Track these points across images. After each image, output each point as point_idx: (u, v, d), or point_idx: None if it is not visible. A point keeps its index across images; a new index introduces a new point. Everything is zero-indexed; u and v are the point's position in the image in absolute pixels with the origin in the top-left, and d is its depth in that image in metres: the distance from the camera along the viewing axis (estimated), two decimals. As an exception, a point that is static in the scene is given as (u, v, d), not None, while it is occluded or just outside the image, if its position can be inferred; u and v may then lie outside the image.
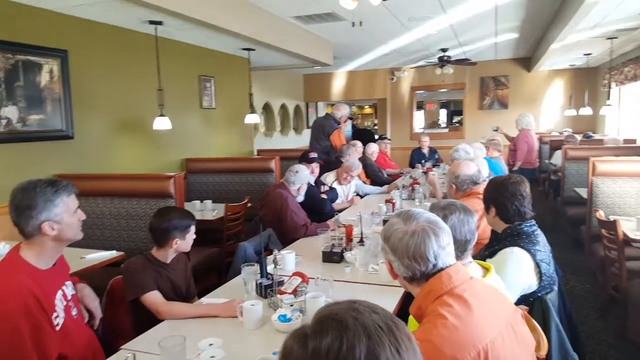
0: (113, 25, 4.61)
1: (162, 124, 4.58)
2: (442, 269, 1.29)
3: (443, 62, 8.21)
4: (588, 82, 8.82)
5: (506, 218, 2.20)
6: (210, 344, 1.62)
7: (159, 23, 4.49)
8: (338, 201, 4.79)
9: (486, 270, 1.67)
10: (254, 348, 1.65)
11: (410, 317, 1.40)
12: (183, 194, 3.59)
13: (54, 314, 1.65)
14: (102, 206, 3.63)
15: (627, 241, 3.23)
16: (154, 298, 2.03)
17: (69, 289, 1.81)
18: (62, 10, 4.01)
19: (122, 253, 3.01)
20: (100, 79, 4.51)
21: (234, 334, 1.76)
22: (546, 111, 9.66)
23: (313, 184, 4.28)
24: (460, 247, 1.70)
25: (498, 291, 1.44)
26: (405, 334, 0.66)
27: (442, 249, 1.30)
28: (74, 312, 1.80)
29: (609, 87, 7.17)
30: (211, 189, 5.29)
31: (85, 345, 1.80)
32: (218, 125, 6.48)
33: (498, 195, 2.21)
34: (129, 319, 2.11)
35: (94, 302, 1.97)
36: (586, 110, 8.08)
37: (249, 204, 4.53)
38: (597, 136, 7.85)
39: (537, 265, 2.04)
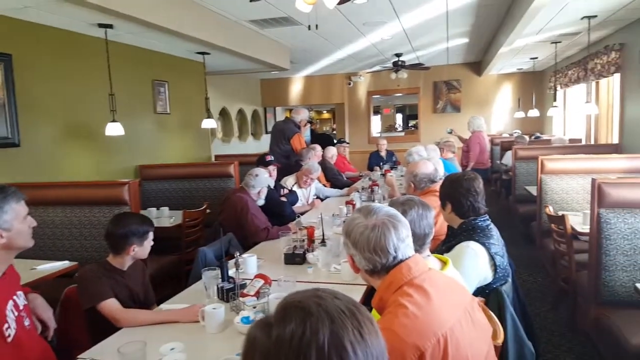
0: (60, 29, 4.44)
1: (114, 129, 4.45)
2: (402, 261, 1.33)
3: (398, 66, 8.38)
4: (535, 85, 9.24)
5: (461, 213, 2.27)
6: (172, 349, 1.59)
7: (109, 26, 4.37)
8: (299, 204, 4.79)
9: (444, 263, 1.72)
10: (216, 351, 1.62)
11: (373, 311, 1.41)
12: (138, 201, 3.49)
13: (5, 325, 1.58)
14: (52, 215, 3.48)
15: (575, 235, 3.39)
16: (111, 306, 1.97)
17: (20, 299, 1.73)
18: (4, 12, 3.85)
19: (75, 263, 2.90)
20: (48, 84, 4.34)
21: (196, 338, 1.73)
22: (496, 114, 10.04)
23: (272, 188, 4.26)
24: (418, 241, 1.74)
25: (455, 281, 1.49)
26: (367, 317, 0.68)
27: (401, 242, 1.34)
28: (26, 322, 1.73)
29: (555, 90, 7.53)
30: (167, 196, 5.17)
31: (38, 357, 1.73)
32: (173, 131, 6.35)
33: (453, 192, 2.27)
34: (85, 329, 2.03)
35: (47, 312, 1.89)
36: (534, 112, 8.45)
37: (208, 210, 4.45)
38: (545, 137, 8.22)
39: (492, 258, 2.12)
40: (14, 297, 1.69)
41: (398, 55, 8.13)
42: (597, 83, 6.35)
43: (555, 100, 7.29)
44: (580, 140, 7.05)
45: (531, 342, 1.97)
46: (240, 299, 2.02)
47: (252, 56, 6.04)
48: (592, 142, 6.61)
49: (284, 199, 4.32)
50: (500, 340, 1.60)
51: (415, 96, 10.59)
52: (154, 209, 4.54)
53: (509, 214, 6.44)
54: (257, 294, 2.04)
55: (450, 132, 7.31)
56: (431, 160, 3.35)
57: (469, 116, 7.55)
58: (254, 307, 1.91)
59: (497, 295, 2.01)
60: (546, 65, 8.73)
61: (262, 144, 10.04)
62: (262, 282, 2.12)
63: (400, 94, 11.06)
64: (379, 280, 1.36)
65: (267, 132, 10.58)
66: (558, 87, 7.81)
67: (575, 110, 7.90)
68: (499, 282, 2.13)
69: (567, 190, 4.40)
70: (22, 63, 4.01)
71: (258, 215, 3.59)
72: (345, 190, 5.56)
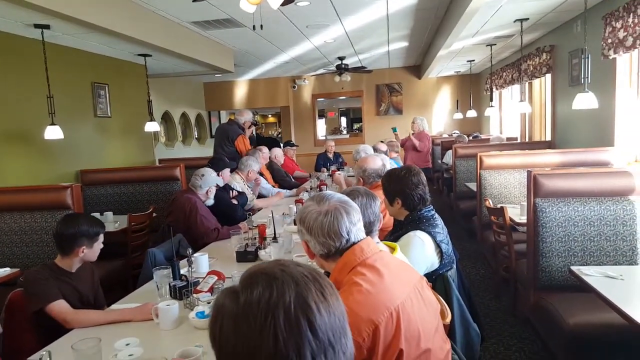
0: (-8, 29, 4.21)
1: (53, 133, 4.24)
2: (354, 243, 1.39)
3: (341, 70, 8.53)
4: (472, 87, 9.68)
5: (412, 207, 2.34)
6: (127, 344, 1.55)
7: (46, 27, 4.17)
8: (254, 199, 4.80)
9: (392, 249, 1.78)
10: (172, 346, 1.58)
11: None
12: (82, 205, 3.35)
13: None
14: None
15: (514, 225, 3.58)
16: (60, 307, 1.91)
17: None
18: None
19: (17, 270, 2.76)
20: None
21: (150, 335, 1.70)
22: (437, 115, 10.44)
23: (222, 189, 4.20)
24: (366, 229, 1.79)
25: (404, 262, 1.57)
26: (327, 282, 0.72)
27: (353, 225, 1.40)
28: None
29: (491, 91, 7.93)
30: (111, 201, 4.97)
31: None
32: (114, 135, 6.12)
33: (403, 187, 2.33)
34: (33, 333, 1.95)
35: None
36: (472, 113, 8.85)
37: (154, 214, 4.32)
38: (483, 136, 8.63)
39: (438, 246, 2.22)
40: None
41: (341, 58, 8.27)
42: (530, 84, 6.75)
43: (491, 100, 7.67)
44: (516, 139, 7.47)
45: (476, 325, 2.08)
46: (194, 295, 1.98)
47: (195, 58, 5.94)
48: (527, 140, 7.01)
49: (234, 201, 4.26)
50: (448, 320, 1.68)
51: (359, 99, 10.80)
52: (97, 214, 4.36)
53: (450, 210, 6.70)
54: (211, 290, 2.02)
55: (396, 131, 7.47)
56: (379, 156, 3.44)
57: (410, 118, 7.79)
58: (209, 303, 1.88)
59: (444, 280, 2.11)
60: (482, 68, 9.18)
61: (206, 149, 9.87)
62: (215, 278, 2.10)
63: (344, 97, 11.24)
64: (334, 263, 1.41)
65: (211, 137, 10.41)
66: (494, 89, 8.23)
67: (511, 109, 8.34)
68: (445, 268, 2.23)
69: (505, 185, 4.64)
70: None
71: (207, 216, 3.53)
72: (294, 190, 5.58)
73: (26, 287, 1.97)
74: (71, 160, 5.19)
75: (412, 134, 7.18)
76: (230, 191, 4.47)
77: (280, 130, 15.86)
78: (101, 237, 2.17)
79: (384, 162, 3.33)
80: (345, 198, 1.46)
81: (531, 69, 6.23)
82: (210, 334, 0.69)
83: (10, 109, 4.42)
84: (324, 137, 11.54)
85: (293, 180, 6.62)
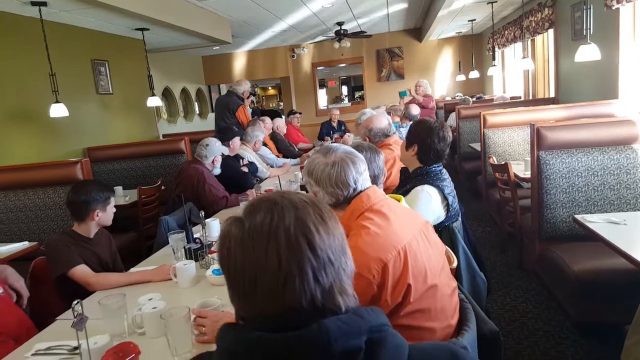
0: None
1: (58, 111, 4.27)
2: (361, 192, 1.46)
3: (340, 36, 8.42)
4: (474, 47, 9.54)
5: (425, 160, 2.36)
6: (150, 299, 1.63)
7: (43, 4, 4.14)
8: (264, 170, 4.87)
9: (397, 200, 1.82)
10: (191, 301, 1.65)
11: None
12: (92, 179, 3.40)
13: None
14: (5, 200, 3.38)
15: (518, 181, 3.62)
16: (82, 271, 1.99)
17: None
18: None
19: (35, 243, 2.85)
20: None
21: (170, 293, 1.78)
22: (439, 78, 10.33)
23: (233, 159, 4.24)
24: (371, 182, 1.84)
25: (409, 208, 1.64)
26: (325, 207, 0.77)
27: (359, 175, 1.46)
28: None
29: (493, 51, 7.81)
30: (119, 176, 5.03)
31: (16, 322, 1.74)
32: (117, 111, 6.14)
33: (426, 137, 2.32)
34: (57, 298, 2.03)
35: (19, 281, 1.90)
36: (474, 74, 8.75)
37: (163, 187, 4.39)
38: (486, 97, 8.57)
39: (445, 198, 2.25)
40: None
41: (340, 24, 8.16)
42: (533, 40, 6.65)
43: (494, 59, 7.57)
44: (519, 97, 7.41)
45: (482, 274, 2.14)
46: (209, 255, 2.06)
47: (192, 30, 5.88)
48: (531, 98, 6.96)
49: (245, 169, 4.30)
50: (454, 264, 1.74)
51: (359, 66, 10.69)
52: (106, 189, 4.41)
53: (455, 172, 6.73)
54: (226, 250, 2.07)
55: (406, 94, 7.38)
56: (384, 115, 3.44)
57: (412, 83, 7.72)
58: None
59: (449, 231, 2.16)
60: (484, 27, 9.04)
61: (209, 123, 9.86)
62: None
63: (344, 65, 11.12)
64: (342, 211, 1.47)
65: (212, 111, 10.39)
66: (496, 48, 8.11)
67: (513, 68, 8.25)
68: (451, 220, 2.28)
69: (508, 143, 4.65)
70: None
71: (215, 184, 3.59)
72: (298, 160, 5.61)
73: (48, 254, 2.05)
74: (77, 137, 5.24)
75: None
76: (241, 160, 4.50)
77: (281, 103, 15.79)
78: (112, 201, 2.24)
79: (390, 121, 3.35)
80: (351, 149, 1.52)
81: (533, 25, 6.14)
82: (220, 259, 0.74)
83: (15, 88, 4.45)
84: (325, 107, 11.49)
85: (297, 150, 6.64)
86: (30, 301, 1.94)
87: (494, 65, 7.44)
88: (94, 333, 1.23)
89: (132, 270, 2.17)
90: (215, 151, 3.70)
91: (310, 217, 0.72)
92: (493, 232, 4.59)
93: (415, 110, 5.96)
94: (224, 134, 4.25)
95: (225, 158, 3.94)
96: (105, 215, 2.19)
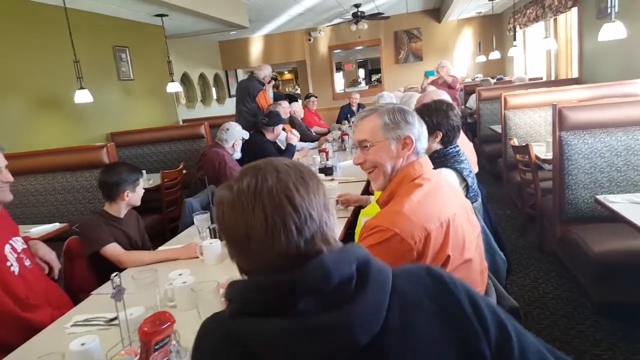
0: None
1: (83, 97, 4.37)
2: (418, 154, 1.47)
3: (357, 18, 8.34)
4: (494, 27, 9.36)
5: (448, 141, 2.35)
6: (180, 274, 1.70)
7: (65, -10, 4.21)
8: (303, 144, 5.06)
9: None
10: (218, 277, 1.71)
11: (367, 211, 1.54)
12: (121, 161, 3.51)
13: (7, 262, 1.69)
14: (35, 183, 3.49)
15: (539, 163, 3.59)
16: (114, 249, 2.08)
17: (17, 243, 1.83)
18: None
19: (65, 224, 2.97)
20: (11, 55, 4.24)
21: (198, 269, 1.84)
22: (458, 60, 10.17)
23: (272, 144, 4.31)
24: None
25: (453, 185, 1.67)
26: (309, 171, 0.84)
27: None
28: (27, 262, 1.83)
29: (514, 31, 7.66)
30: (141, 161, 5.13)
31: (46, 290, 1.85)
32: (139, 97, 6.24)
33: (446, 120, 2.28)
34: (90, 275, 2.13)
35: (50, 254, 2.00)
36: (495, 55, 8.60)
37: (184, 171, 4.47)
38: (507, 78, 8.42)
39: (464, 180, 2.26)
40: (10, 242, 1.79)
41: (357, 5, 8.08)
42: (555, 20, 6.51)
43: (515, 40, 7.43)
44: (541, 78, 7.27)
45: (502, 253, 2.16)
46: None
47: (210, 15, 5.90)
48: (553, 79, 6.83)
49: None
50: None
51: (376, 49, 10.59)
52: (130, 173, 4.52)
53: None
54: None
55: (433, 74, 7.25)
56: (439, 91, 3.25)
57: (431, 64, 7.64)
58: None
59: (470, 211, 2.18)
60: (505, 7, 8.85)
61: (226, 108, 9.93)
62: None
63: (361, 47, 11.03)
64: (402, 164, 1.46)
65: (230, 96, 10.45)
66: (517, 28, 7.95)
67: (535, 48, 8.08)
68: (471, 200, 2.27)
69: (530, 124, 4.60)
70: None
71: (235, 168, 3.65)
72: (316, 143, 5.63)
73: (82, 233, 2.14)
74: (100, 123, 5.35)
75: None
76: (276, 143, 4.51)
77: (297, 87, 15.73)
78: (141, 182, 2.32)
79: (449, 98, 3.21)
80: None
81: (556, 3, 6.00)
82: (217, 222, 0.83)
83: (42, 75, 4.56)
84: (342, 90, 11.44)
85: (314, 134, 6.66)
86: (65, 278, 2.04)
87: (515, 46, 7.31)
88: (128, 306, 1.29)
89: (160, 248, 2.25)
90: (235, 135, 3.76)
91: (290, 178, 0.79)
92: (513, 215, 4.58)
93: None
94: (270, 119, 4.28)
95: (263, 142, 4.00)
96: (135, 195, 2.27)
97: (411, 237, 1.27)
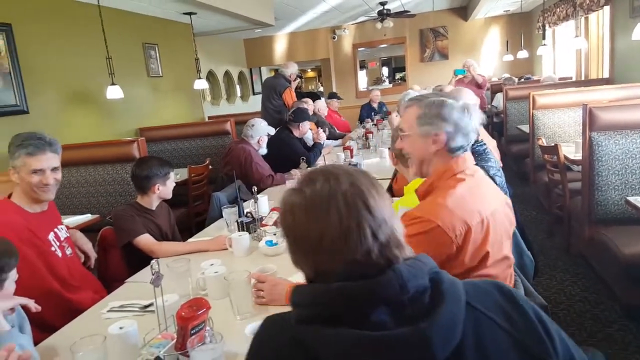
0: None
1: (114, 93, 4.49)
2: (465, 150, 1.44)
3: (383, 15, 8.30)
4: (523, 26, 9.19)
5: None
6: (211, 264, 1.75)
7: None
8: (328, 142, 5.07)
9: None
10: (246, 269, 1.75)
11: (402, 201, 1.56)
12: (153, 155, 3.61)
13: (52, 248, 1.78)
14: (68, 176, 3.60)
15: (568, 164, 3.53)
16: (147, 240, 2.15)
17: (61, 232, 1.91)
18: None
19: (97, 216, 3.05)
20: (49, 51, 4.39)
21: (226, 261, 1.88)
22: (485, 59, 10.03)
23: (298, 140, 4.35)
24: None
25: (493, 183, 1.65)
26: (374, 177, 0.84)
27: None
28: (68, 251, 1.91)
29: (543, 29, 7.51)
30: (168, 156, 5.23)
31: (83, 278, 1.93)
32: (166, 94, 6.36)
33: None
34: (124, 264, 2.20)
35: (87, 244, 2.07)
36: (523, 54, 8.45)
37: (210, 166, 4.55)
38: (535, 78, 8.27)
39: (492, 178, 2.24)
40: (55, 230, 1.87)
41: (383, 3, 8.05)
42: (587, 18, 6.37)
43: (544, 38, 7.29)
44: (570, 78, 7.13)
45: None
46: (261, 228, 2.17)
47: (238, 13, 5.97)
48: (583, 78, 6.68)
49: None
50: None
51: (401, 47, 10.53)
52: (158, 168, 4.62)
53: (502, 154, 6.57)
54: (276, 223, 2.19)
55: (464, 72, 7.14)
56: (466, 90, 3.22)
57: (457, 63, 7.54)
58: (275, 234, 2.06)
59: (497, 211, 2.17)
60: (534, 5, 8.69)
61: (250, 105, 10.01)
62: (278, 213, 2.26)
63: (385, 45, 10.98)
64: (440, 162, 1.43)
65: (254, 94, 10.53)
66: (547, 26, 7.80)
67: (565, 47, 7.91)
68: (499, 199, 2.28)
69: (559, 124, 4.52)
70: (23, 32, 4.03)
71: (261, 163, 3.69)
72: (340, 141, 5.65)
73: (115, 223, 2.21)
74: (130, 118, 5.48)
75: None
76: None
77: (320, 85, 15.73)
78: (172, 176, 2.38)
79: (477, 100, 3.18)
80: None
81: (587, 2, 5.87)
82: (284, 225, 0.82)
83: (76, 71, 4.70)
84: (365, 89, 11.40)
85: (337, 131, 6.66)
86: (98, 267, 2.12)
87: (544, 45, 7.16)
88: (163, 293, 1.34)
89: (190, 240, 2.31)
90: (260, 131, 3.79)
91: (363, 182, 0.79)
92: (539, 216, 4.51)
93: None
94: (296, 115, 4.32)
95: (290, 138, 4.06)
96: (165, 189, 2.33)
97: (452, 230, 1.27)
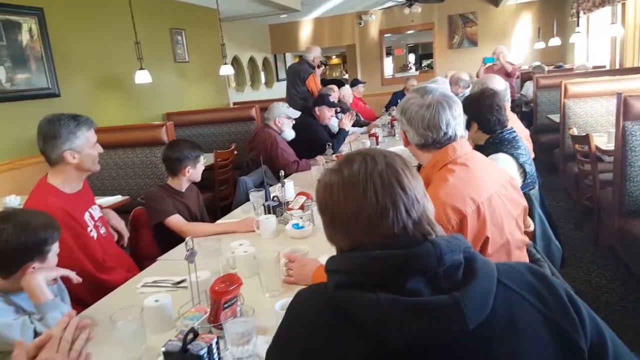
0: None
1: (142, 77, 4.56)
2: (451, 138, 1.47)
3: (411, 0, 8.17)
4: (556, 12, 8.93)
5: (488, 129, 2.34)
6: (241, 244, 1.80)
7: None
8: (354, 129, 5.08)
9: None
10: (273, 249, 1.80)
11: None
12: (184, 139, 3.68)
13: (88, 228, 1.84)
14: (99, 158, 3.69)
15: (599, 154, 3.46)
16: (176, 220, 2.21)
17: (95, 211, 1.98)
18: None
19: (127, 197, 3.14)
20: (79, 36, 4.48)
21: (254, 242, 1.91)
22: (515, 46, 9.78)
23: (324, 127, 4.35)
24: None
25: (494, 163, 1.66)
26: (407, 160, 0.88)
27: (454, 119, 1.46)
28: (102, 230, 1.98)
29: (577, 16, 7.28)
30: (194, 141, 5.28)
31: (117, 256, 2.00)
32: (193, 79, 6.43)
33: (476, 110, 2.31)
34: (155, 243, 2.26)
35: (120, 223, 2.14)
36: (555, 41, 8.21)
37: (235, 151, 4.59)
38: (567, 66, 8.05)
39: (521, 166, 2.22)
40: (90, 210, 1.94)
41: (411, -11, 7.93)
42: (624, 4, 6.15)
43: (578, 25, 7.07)
44: (604, 67, 6.91)
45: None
46: (288, 212, 2.20)
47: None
48: (618, 67, 6.47)
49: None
50: (531, 228, 1.74)
51: (428, 34, 10.35)
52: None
53: (531, 142, 6.45)
54: (302, 207, 2.22)
55: (493, 61, 6.99)
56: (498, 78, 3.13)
57: (486, 50, 7.39)
58: (301, 217, 2.10)
59: (526, 198, 2.14)
60: (568, -10, 8.43)
61: (274, 92, 10.02)
62: (304, 197, 2.29)
63: (412, 31, 10.81)
64: (428, 154, 1.50)
65: (278, 80, 10.53)
66: (581, 13, 7.55)
67: (599, 35, 7.67)
68: (528, 187, 2.26)
69: (590, 114, 4.41)
70: (54, 16, 4.13)
71: (286, 149, 3.71)
72: (364, 128, 5.62)
73: (147, 204, 2.28)
74: (157, 103, 5.57)
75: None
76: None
77: (345, 72, 15.62)
78: (202, 159, 2.43)
79: (507, 86, 3.11)
80: (449, 93, 1.52)
81: (625, -14, 5.66)
82: (322, 203, 0.86)
83: (105, 56, 4.80)
84: (391, 76, 11.28)
85: (362, 119, 6.63)
86: (130, 246, 2.19)
87: (578, 32, 6.95)
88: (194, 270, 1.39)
89: (218, 222, 2.36)
90: (275, 112, 3.75)
91: (397, 163, 0.83)
92: (567, 207, 4.44)
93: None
94: (316, 100, 4.33)
95: (314, 124, 4.10)
96: (195, 171, 2.38)
97: (447, 221, 1.30)
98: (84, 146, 1.83)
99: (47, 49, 4.02)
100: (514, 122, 2.85)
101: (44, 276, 1.35)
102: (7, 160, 3.65)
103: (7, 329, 1.25)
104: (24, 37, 3.82)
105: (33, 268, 1.35)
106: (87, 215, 1.89)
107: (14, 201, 2.97)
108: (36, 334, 1.27)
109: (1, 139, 3.65)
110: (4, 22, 3.65)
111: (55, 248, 1.42)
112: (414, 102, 1.48)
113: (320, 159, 3.65)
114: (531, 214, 2.05)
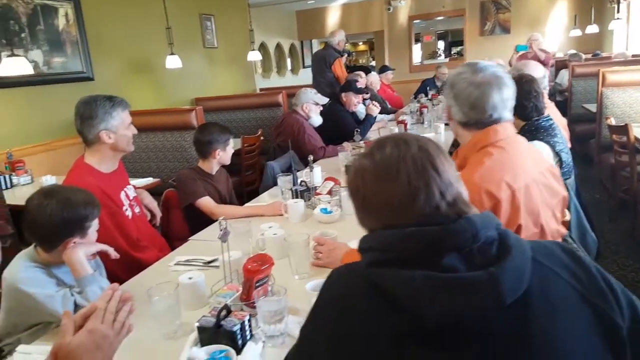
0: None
1: (173, 62, 4.63)
2: (495, 121, 1.41)
3: (442, -14, 7.98)
4: (594, -1, 8.58)
5: (524, 116, 2.28)
6: (270, 227, 1.83)
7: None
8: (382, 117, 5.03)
9: None
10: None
11: None
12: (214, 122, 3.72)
13: (124, 207, 1.90)
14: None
15: (638, 146, 3.34)
16: (208, 202, 2.26)
17: (130, 191, 2.04)
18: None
19: (157, 179, 3.22)
20: (113, 21, 4.57)
21: (282, 225, 1.94)
22: (550, 33, 9.47)
23: (351, 114, 4.33)
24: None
25: (537, 149, 1.61)
26: (440, 144, 0.87)
27: (502, 102, 1.40)
28: (136, 209, 2.03)
29: (618, 2, 7.00)
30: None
31: (150, 235, 2.05)
32: (221, 64, 6.48)
33: (518, 99, 2.24)
34: (185, 224, 2.31)
35: (153, 203, 2.20)
36: (592, 29, 7.91)
37: (262, 137, 4.61)
38: (604, 54, 7.76)
39: (557, 154, 2.16)
40: (125, 189, 1.99)
41: (443, -26, 7.74)
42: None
43: (618, 12, 6.78)
44: (644, 55, 6.64)
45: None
46: (315, 197, 2.20)
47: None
48: (659, 55, 6.21)
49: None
50: (567, 218, 1.69)
51: (459, 20, 10.12)
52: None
53: (568, 131, 6.27)
54: (330, 192, 2.22)
55: (526, 49, 6.79)
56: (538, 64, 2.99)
57: (519, 37, 7.18)
58: (329, 202, 2.11)
59: (563, 187, 2.09)
60: (607, -24, 8.10)
61: (300, 79, 10.00)
62: (332, 183, 2.29)
63: (442, 18, 10.59)
64: (468, 133, 1.46)
65: (304, 67, 10.49)
66: (622, -1, 7.25)
67: (640, 22, 7.36)
68: (564, 177, 2.18)
69: (630, 104, 4.27)
70: (88, 1, 4.21)
71: (313, 135, 3.70)
72: (392, 115, 5.55)
73: (179, 185, 2.33)
74: (186, 88, 5.64)
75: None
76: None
77: (372, 58, 15.43)
78: (231, 142, 2.47)
79: (546, 73, 3.00)
80: (501, 73, 1.44)
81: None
82: (353, 187, 0.85)
83: (137, 42, 4.89)
84: (419, 63, 11.10)
85: (389, 106, 6.55)
86: (162, 226, 2.24)
87: (618, 19, 6.68)
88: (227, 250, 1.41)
89: (247, 205, 2.40)
90: (303, 98, 3.73)
91: (430, 146, 0.83)
92: (602, 199, 4.32)
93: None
94: (343, 86, 4.31)
95: (341, 111, 4.08)
96: (225, 154, 2.42)
97: (480, 205, 1.27)
98: (119, 126, 1.87)
99: (82, 34, 4.12)
100: (551, 110, 2.76)
101: (84, 251, 1.40)
102: (43, 141, 3.76)
103: (50, 300, 1.30)
104: (60, 22, 3.92)
105: (74, 243, 1.40)
106: (122, 195, 1.94)
107: (50, 181, 3.08)
108: (76, 306, 1.32)
109: (38, 121, 3.77)
110: (42, 7, 3.75)
111: (95, 224, 1.46)
112: (465, 78, 1.41)
113: (347, 145, 3.63)
114: (567, 205, 2.00)
